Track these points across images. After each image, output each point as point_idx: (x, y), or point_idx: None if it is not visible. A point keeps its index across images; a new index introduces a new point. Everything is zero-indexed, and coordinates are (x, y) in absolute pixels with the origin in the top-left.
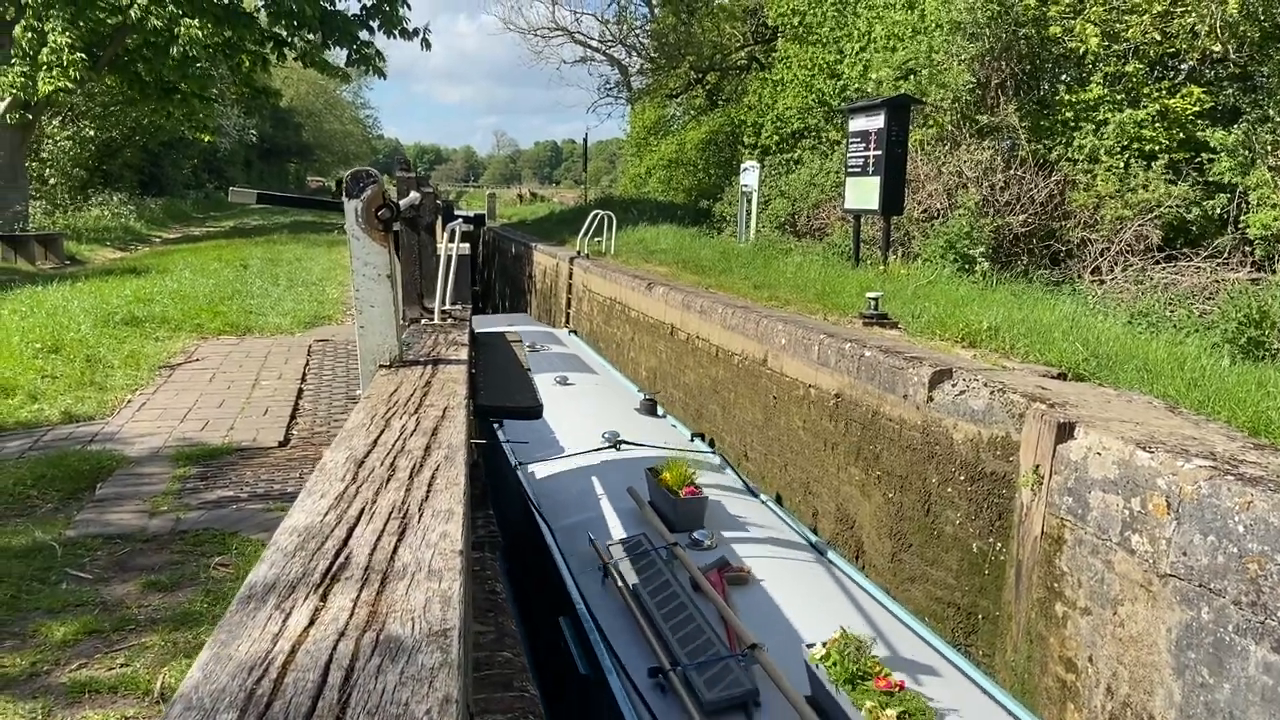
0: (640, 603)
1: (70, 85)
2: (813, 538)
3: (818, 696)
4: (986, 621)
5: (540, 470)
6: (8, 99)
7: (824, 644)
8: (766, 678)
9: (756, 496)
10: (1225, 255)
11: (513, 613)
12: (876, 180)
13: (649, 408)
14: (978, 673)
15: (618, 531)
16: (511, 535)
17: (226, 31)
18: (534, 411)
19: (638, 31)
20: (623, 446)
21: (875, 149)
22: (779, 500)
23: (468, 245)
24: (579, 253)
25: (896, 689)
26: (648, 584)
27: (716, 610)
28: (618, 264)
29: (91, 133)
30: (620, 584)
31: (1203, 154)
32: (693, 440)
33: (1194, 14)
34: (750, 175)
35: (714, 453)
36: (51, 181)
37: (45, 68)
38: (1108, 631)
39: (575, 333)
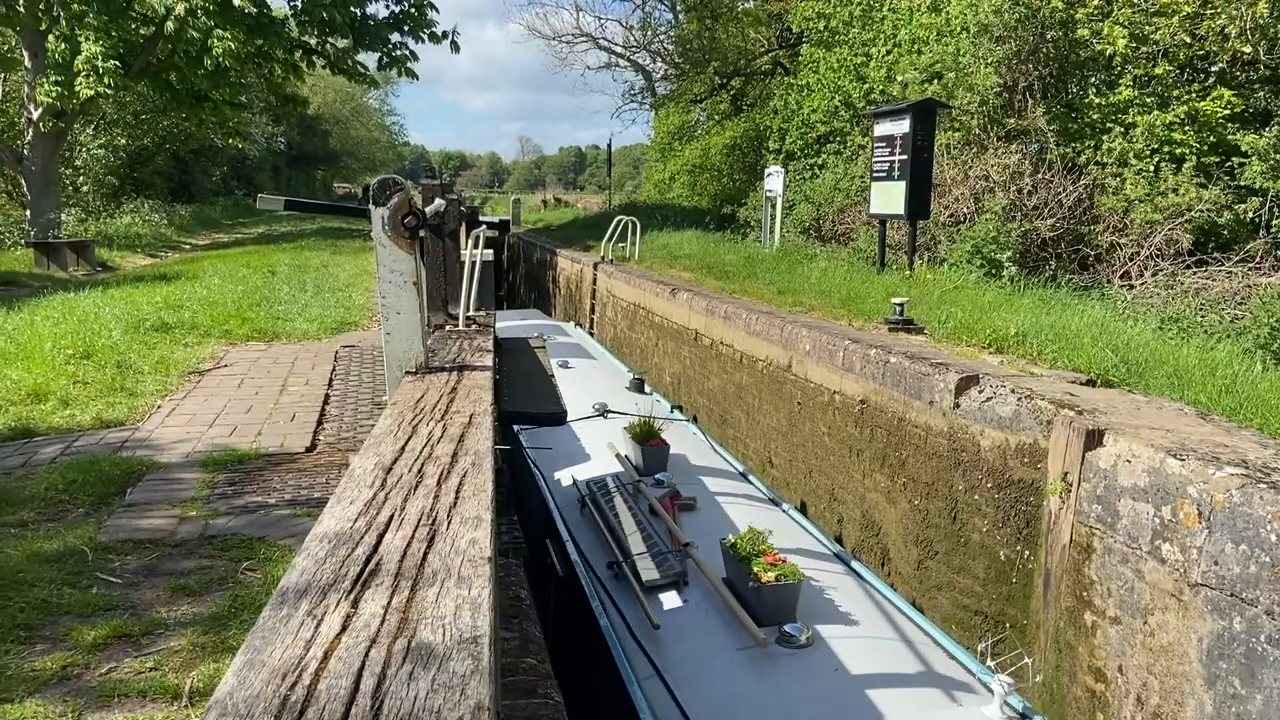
0: (607, 522)
1: (107, 92)
2: (744, 470)
3: (730, 576)
4: (1014, 630)
5: (538, 435)
6: (42, 106)
7: (735, 537)
8: (696, 566)
9: (717, 452)
10: (1257, 260)
11: (536, 619)
12: (902, 185)
13: (637, 385)
14: (846, 554)
15: (597, 475)
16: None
17: (258, 40)
18: (558, 418)
19: (662, 37)
20: (610, 414)
21: (901, 153)
22: (804, 509)
23: (492, 251)
24: (603, 258)
25: (780, 562)
26: (614, 510)
27: (665, 525)
28: (641, 269)
29: (123, 141)
30: (593, 511)
31: (1233, 158)
32: (672, 411)
33: (1224, 16)
34: (774, 180)
35: (686, 420)
36: (84, 189)
37: (82, 75)
38: (1138, 641)
39: (580, 326)
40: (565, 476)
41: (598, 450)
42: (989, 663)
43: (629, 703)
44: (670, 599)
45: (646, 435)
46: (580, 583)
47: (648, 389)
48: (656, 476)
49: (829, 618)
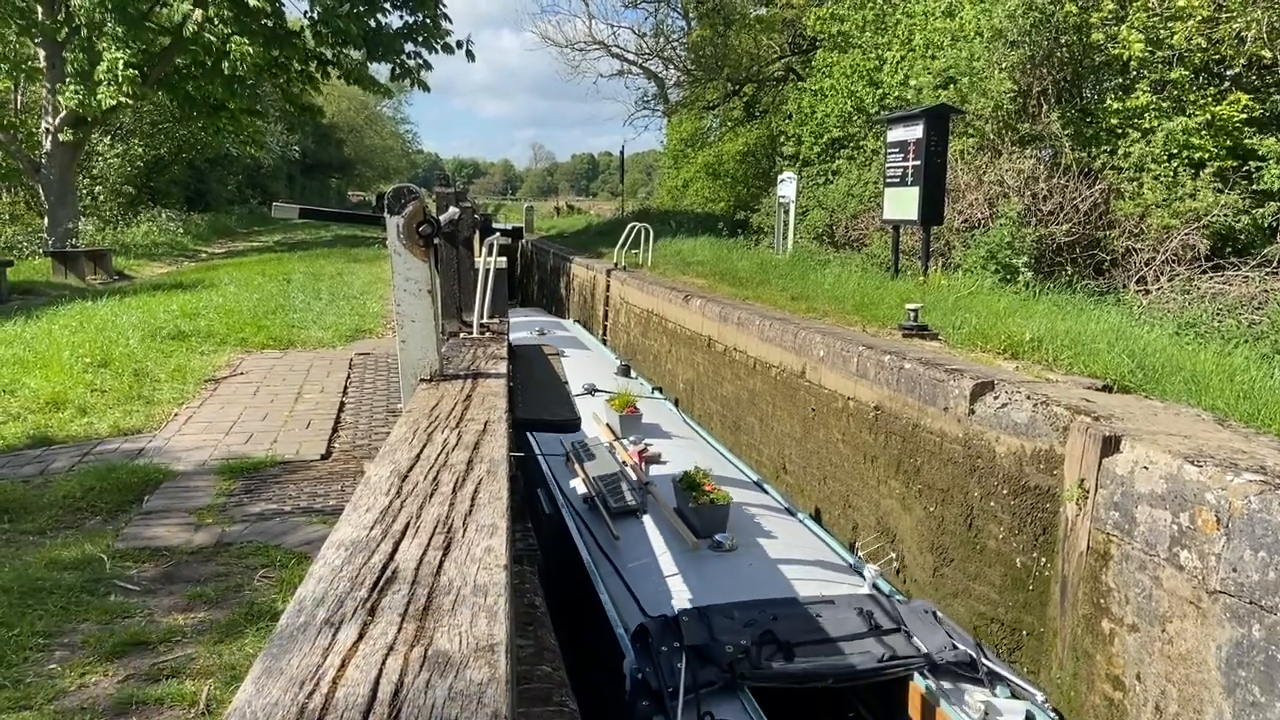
0: (586, 471)
1: (128, 101)
2: (703, 433)
3: (678, 503)
4: (1031, 638)
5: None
6: (62, 114)
7: (684, 473)
8: (654, 498)
9: (685, 422)
10: (1275, 264)
11: (550, 627)
12: (915, 190)
13: (624, 370)
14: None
15: (581, 437)
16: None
17: (274, 51)
18: (571, 425)
19: (674, 44)
20: (597, 393)
21: (914, 159)
22: (819, 516)
23: (505, 259)
24: (616, 265)
25: (715, 490)
26: (592, 462)
27: (634, 471)
28: (655, 276)
29: (140, 150)
30: (575, 462)
31: (1250, 162)
32: (653, 392)
33: (1240, 20)
34: (788, 186)
35: (665, 398)
36: (101, 198)
37: (103, 84)
38: (1156, 649)
39: (579, 322)
40: (554, 439)
41: (584, 419)
42: (860, 553)
43: (594, 592)
44: (631, 521)
45: (624, 405)
46: (562, 515)
47: (633, 374)
48: (631, 437)
49: (752, 532)
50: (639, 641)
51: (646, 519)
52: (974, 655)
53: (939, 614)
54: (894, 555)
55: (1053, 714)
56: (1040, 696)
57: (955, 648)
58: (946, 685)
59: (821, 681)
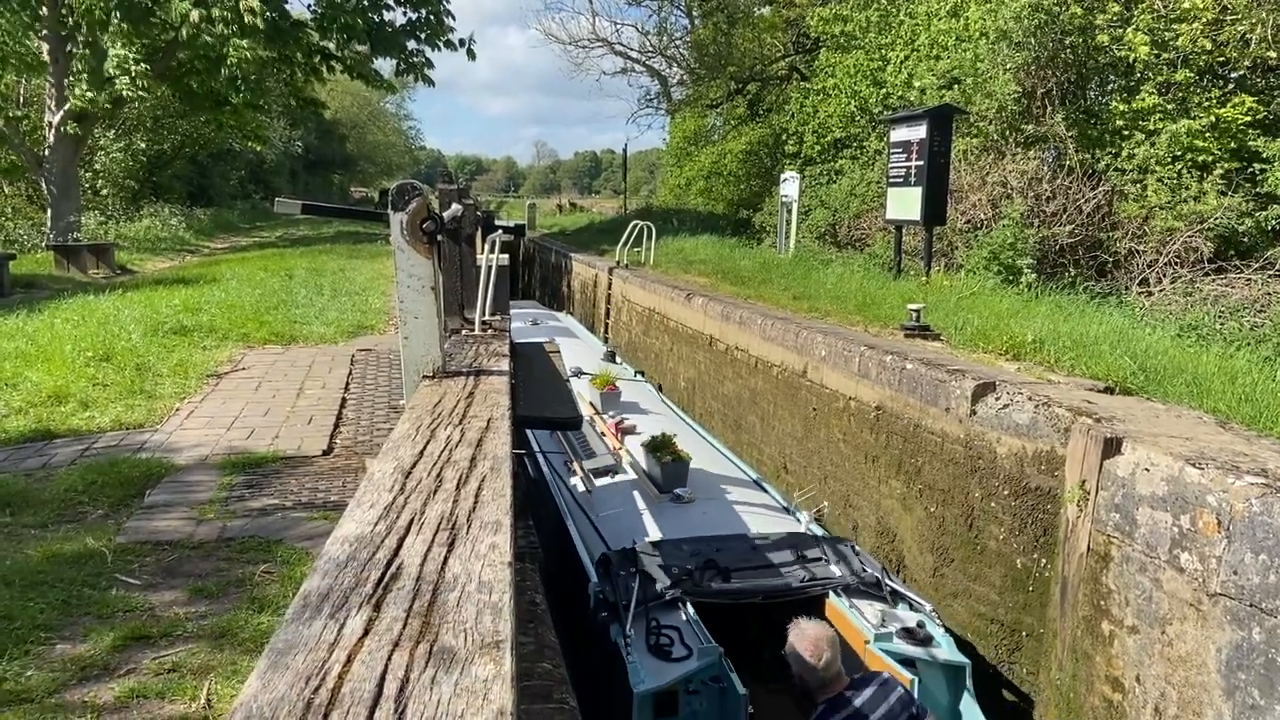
0: (570, 443)
1: (143, 95)
2: (676, 409)
3: (646, 464)
4: (1031, 639)
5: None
6: (64, 109)
7: (652, 437)
8: (626, 461)
9: (663, 402)
10: (1278, 267)
11: (551, 624)
12: (918, 191)
13: (609, 356)
14: (741, 461)
15: None
16: None
17: (277, 45)
18: (573, 422)
19: (678, 43)
20: (582, 375)
21: (917, 159)
22: (820, 516)
23: (507, 256)
24: (618, 263)
25: (680, 450)
26: (576, 435)
27: (610, 440)
28: (657, 274)
29: (143, 145)
30: (561, 437)
31: (1254, 164)
32: (635, 375)
33: (1245, 22)
34: (790, 186)
35: (646, 381)
36: (104, 192)
37: (117, 76)
38: (1156, 651)
39: (572, 314)
40: None
41: None
42: (796, 501)
43: (569, 537)
44: (604, 479)
45: (604, 384)
46: (546, 481)
47: (619, 360)
48: (610, 412)
49: (710, 487)
50: (601, 568)
51: (618, 477)
52: (879, 577)
53: (856, 547)
54: (825, 505)
55: (939, 622)
56: (929, 608)
57: (866, 571)
58: (856, 601)
59: (751, 598)
